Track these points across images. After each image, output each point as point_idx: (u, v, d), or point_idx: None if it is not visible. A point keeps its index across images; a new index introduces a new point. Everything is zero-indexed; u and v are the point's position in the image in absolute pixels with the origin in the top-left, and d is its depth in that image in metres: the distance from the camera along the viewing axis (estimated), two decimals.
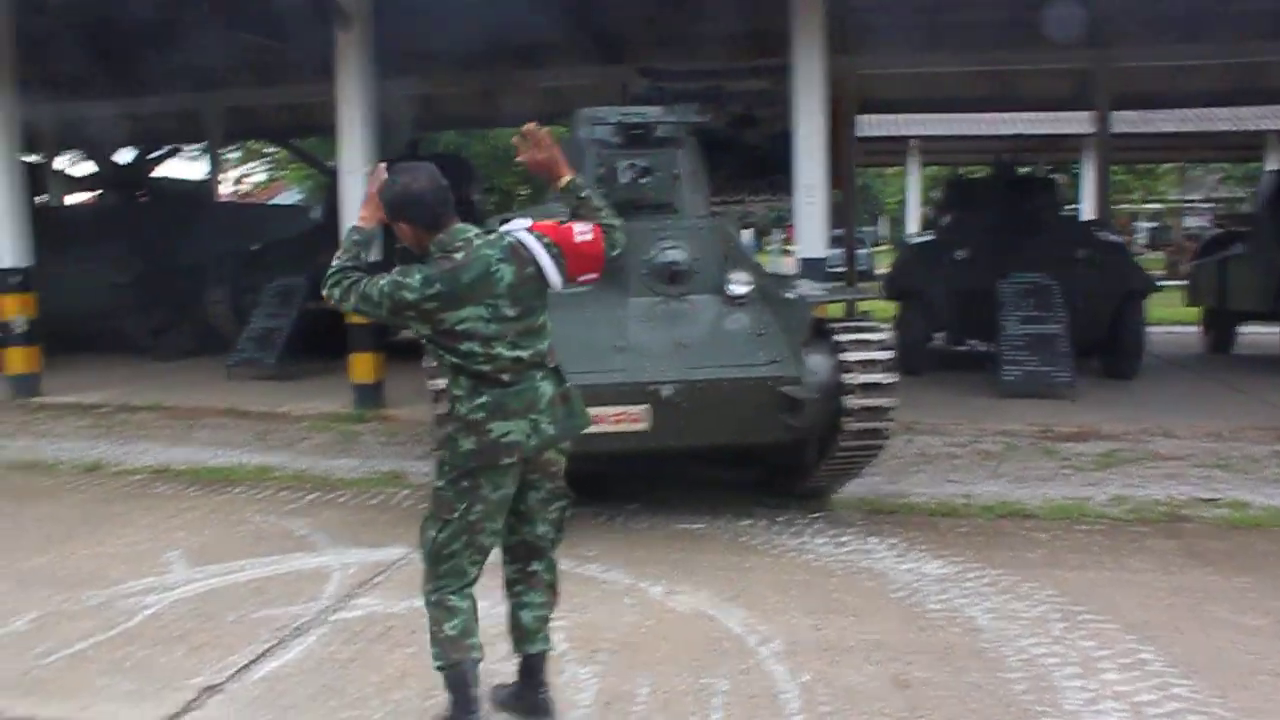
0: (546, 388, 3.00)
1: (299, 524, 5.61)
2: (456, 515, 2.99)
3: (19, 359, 9.83)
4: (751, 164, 14.75)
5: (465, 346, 2.92)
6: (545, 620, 3.18)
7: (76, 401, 9.50)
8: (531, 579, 3.16)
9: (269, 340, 10.85)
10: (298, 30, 12.17)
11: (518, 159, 3.18)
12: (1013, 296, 9.66)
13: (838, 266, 13.06)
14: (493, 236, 2.99)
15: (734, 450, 5.93)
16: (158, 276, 12.28)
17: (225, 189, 27.49)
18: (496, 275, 2.91)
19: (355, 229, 3.10)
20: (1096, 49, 13.44)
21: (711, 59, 14.12)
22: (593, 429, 5.12)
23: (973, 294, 9.99)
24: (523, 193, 28.47)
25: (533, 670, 3.20)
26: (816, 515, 5.72)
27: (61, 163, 21.42)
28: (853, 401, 5.21)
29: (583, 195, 3.14)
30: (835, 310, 7.52)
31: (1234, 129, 24.49)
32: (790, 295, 5.65)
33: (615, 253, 3.13)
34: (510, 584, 3.19)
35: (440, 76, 15.48)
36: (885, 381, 5.26)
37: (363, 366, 8.78)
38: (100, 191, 15.56)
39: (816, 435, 5.52)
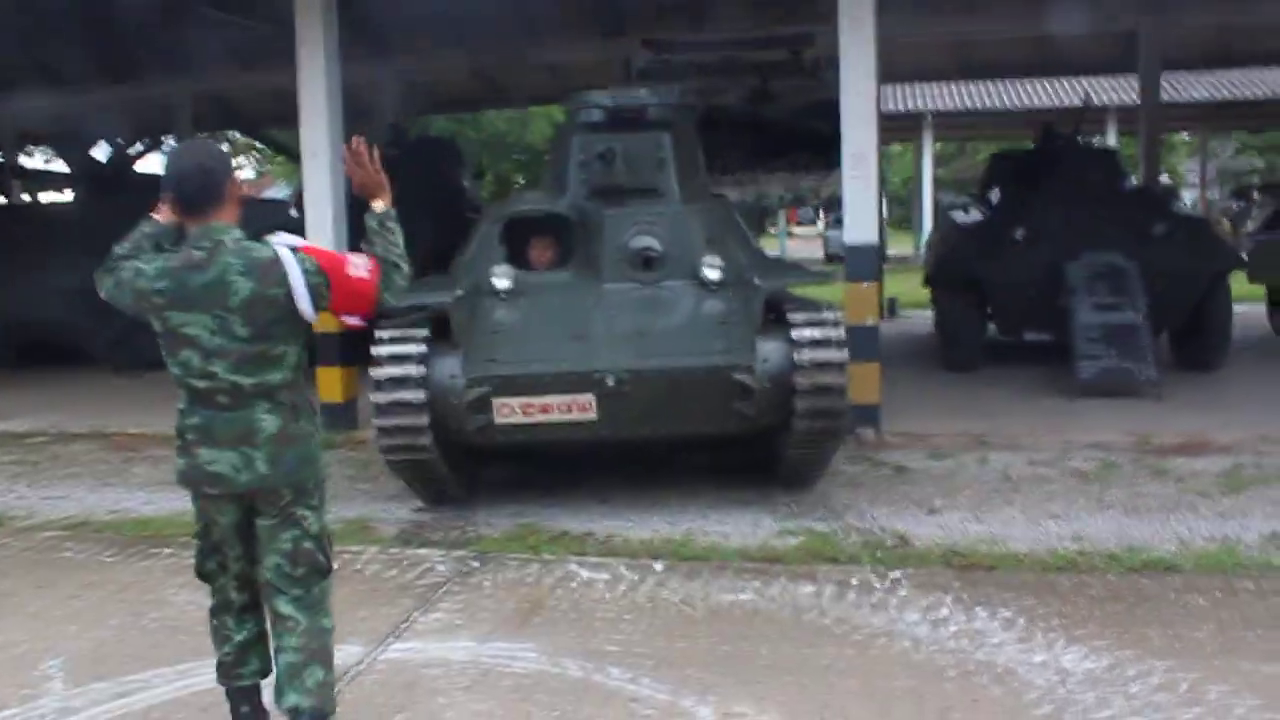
0: (269, 423, 2.75)
1: None
2: (198, 535, 2.94)
3: None
4: (769, 141, 13.49)
5: (184, 355, 2.73)
6: (297, 670, 2.77)
7: (6, 430, 8.23)
8: (280, 620, 2.82)
9: None
10: (272, 6, 10.96)
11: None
12: (1085, 280, 8.39)
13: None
14: (247, 244, 2.73)
15: (689, 440, 5.75)
16: None
17: None
18: (232, 287, 2.67)
19: (147, 219, 2.92)
20: (1146, 10, 12.16)
21: (723, 29, 12.84)
22: (542, 417, 5.15)
23: (1034, 279, 8.73)
24: (520, 180, 27.28)
25: None
26: (897, 575, 4.46)
27: (35, 161, 20.36)
28: (803, 381, 5.11)
29: (388, 225, 2.83)
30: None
31: (1270, 96, 23.20)
32: (758, 281, 5.52)
33: (387, 295, 2.81)
34: (270, 622, 2.90)
35: (429, 55, 14.26)
36: (836, 360, 5.18)
37: (330, 383, 7.55)
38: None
39: (778, 422, 5.35)
